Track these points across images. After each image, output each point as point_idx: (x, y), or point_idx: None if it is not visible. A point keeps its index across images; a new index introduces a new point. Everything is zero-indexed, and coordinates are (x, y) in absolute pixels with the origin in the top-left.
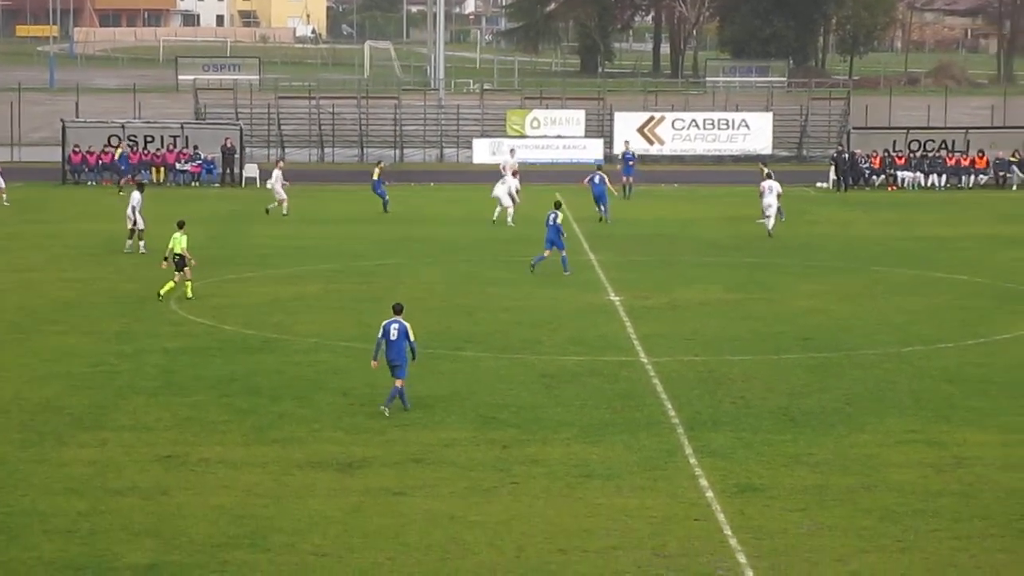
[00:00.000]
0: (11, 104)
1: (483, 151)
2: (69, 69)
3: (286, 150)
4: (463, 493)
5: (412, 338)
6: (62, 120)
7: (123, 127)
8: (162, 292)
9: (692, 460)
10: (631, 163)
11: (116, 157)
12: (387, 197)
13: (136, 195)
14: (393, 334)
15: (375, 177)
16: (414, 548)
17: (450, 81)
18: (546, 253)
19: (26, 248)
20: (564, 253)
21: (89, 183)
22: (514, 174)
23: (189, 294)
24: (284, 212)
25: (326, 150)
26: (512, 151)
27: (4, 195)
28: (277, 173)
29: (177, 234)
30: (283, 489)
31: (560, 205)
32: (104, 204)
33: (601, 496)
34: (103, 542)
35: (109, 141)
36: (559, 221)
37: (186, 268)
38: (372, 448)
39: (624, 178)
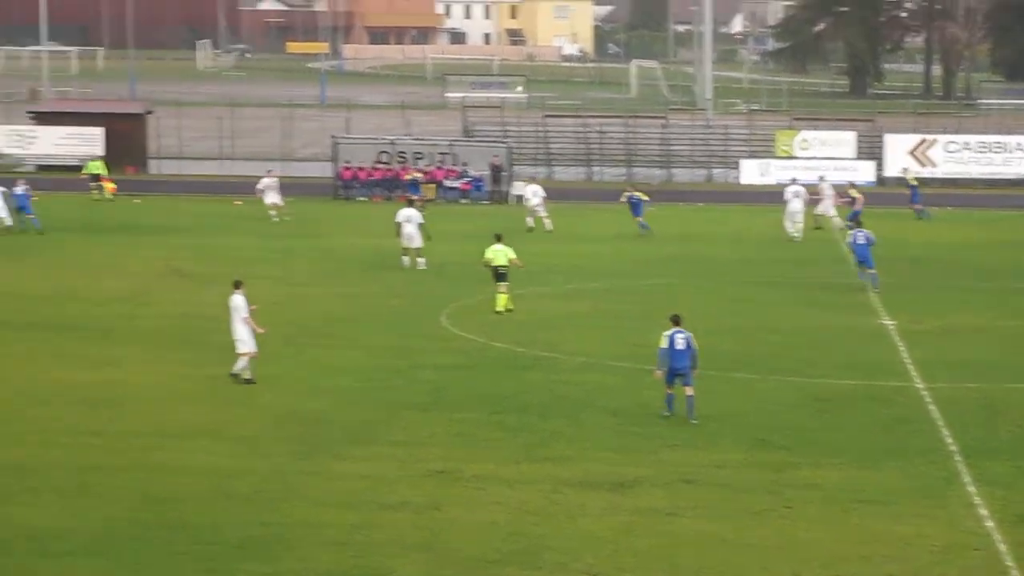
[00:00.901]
0: (283, 120)
1: (751, 172)
2: (339, 85)
3: (553, 168)
4: (735, 515)
5: (695, 347)
6: (333, 136)
7: (393, 143)
8: (499, 308)
9: (971, 488)
10: (912, 189)
11: (408, 179)
12: (641, 219)
13: (413, 212)
14: (680, 343)
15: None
16: (686, 570)
17: (717, 101)
18: (868, 271)
19: (299, 262)
20: (873, 271)
21: (360, 198)
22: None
23: (499, 307)
24: (547, 228)
25: (593, 169)
26: (822, 177)
27: (279, 211)
28: (537, 189)
29: (498, 246)
30: (554, 507)
31: (862, 224)
32: (375, 219)
33: (878, 522)
34: (376, 555)
35: (379, 157)
36: (872, 238)
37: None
38: (643, 468)
39: (912, 204)
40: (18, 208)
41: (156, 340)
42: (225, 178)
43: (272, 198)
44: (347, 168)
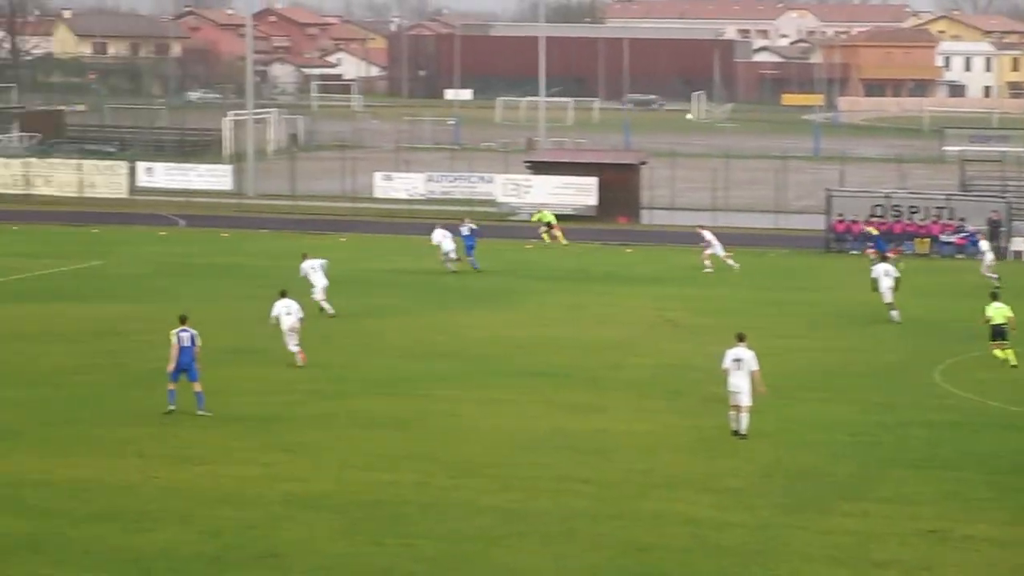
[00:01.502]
0: (776, 172)
1: None
2: (833, 138)
3: None
4: None
5: None
6: (826, 189)
7: (887, 197)
8: (1013, 363)
9: None
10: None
11: (863, 232)
12: None
13: (890, 267)
14: None
15: None
16: None
17: None
18: None
19: (788, 315)
20: None
21: (852, 252)
22: None
23: (1012, 362)
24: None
25: None
26: None
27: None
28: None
29: (997, 304)
30: None
31: None
32: (867, 273)
33: None
34: None
35: (873, 211)
36: None
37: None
38: None
39: None
40: (466, 248)
41: (644, 389)
42: (717, 229)
43: (718, 251)
44: (840, 221)
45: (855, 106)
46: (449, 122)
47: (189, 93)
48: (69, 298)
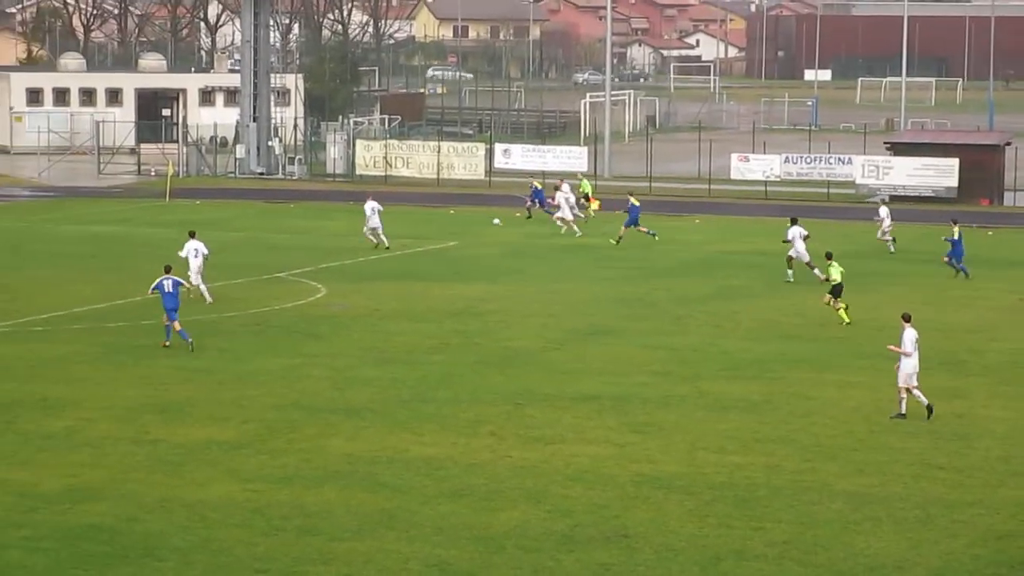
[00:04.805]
0: None
1: None
2: None
3: None
4: None
5: None
6: None
7: None
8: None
9: None
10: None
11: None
12: None
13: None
14: None
15: None
16: None
17: None
18: None
19: None
20: None
21: None
22: None
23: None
24: None
25: None
26: None
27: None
28: None
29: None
30: None
31: None
32: None
33: None
34: None
35: None
36: None
37: None
38: None
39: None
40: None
41: (1004, 374)
42: None
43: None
44: None
45: None
46: (807, 103)
47: (576, 75)
48: (425, 278)
